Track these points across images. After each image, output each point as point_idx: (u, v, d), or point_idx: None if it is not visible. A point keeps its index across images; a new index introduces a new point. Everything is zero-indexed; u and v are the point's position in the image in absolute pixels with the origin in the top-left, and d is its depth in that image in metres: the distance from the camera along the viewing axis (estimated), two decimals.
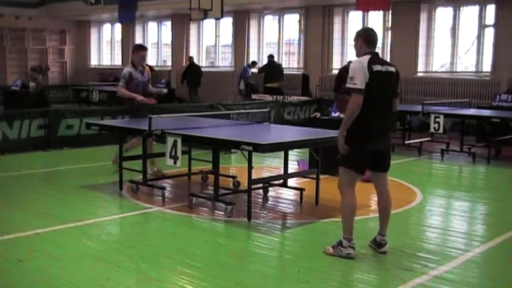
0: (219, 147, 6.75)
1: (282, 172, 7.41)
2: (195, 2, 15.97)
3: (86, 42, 26.33)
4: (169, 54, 22.71)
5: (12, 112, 11.46)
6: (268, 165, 9.33)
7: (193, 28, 21.48)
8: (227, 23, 20.33)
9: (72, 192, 7.31)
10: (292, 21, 19.23)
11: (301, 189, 6.98)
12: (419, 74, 15.84)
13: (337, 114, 8.85)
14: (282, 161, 7.18)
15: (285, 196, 7.28)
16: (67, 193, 7.29)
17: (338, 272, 4.70)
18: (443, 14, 15.78)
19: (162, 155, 6.78)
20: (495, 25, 14.52)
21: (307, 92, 17.67)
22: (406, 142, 11.16)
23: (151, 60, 22.22)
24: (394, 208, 5.18)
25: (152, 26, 23.63)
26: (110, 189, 7.44)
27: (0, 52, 24.06)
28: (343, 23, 17.69)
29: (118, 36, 24.79)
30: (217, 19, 18.11)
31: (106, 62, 26.12)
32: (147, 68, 8.46)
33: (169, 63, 22.83)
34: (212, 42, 21.60)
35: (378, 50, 5.15)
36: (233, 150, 9.70)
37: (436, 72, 15.99)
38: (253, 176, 6.14)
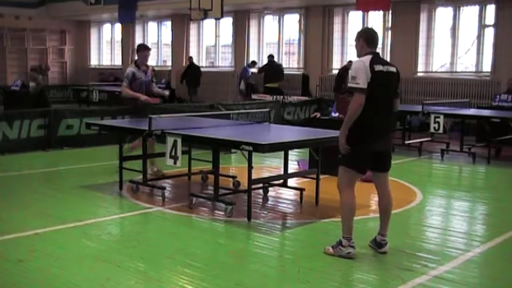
0: (219, 147, 6.75)
1: (282, 172, 7.41)
2: (195, 2, 15.97)
3: (86, 42, 26.33)
4: (169, 54, 22.71)
5: (12, 112, 11.46)
6: (268, 165, 9.33)
7: (193, 28, 21.48)
8: (227, 23, 20.33)
9: (72, 192, 7.31)
10: (292, 21, 19.23)
11: (301, 189, 6.98)
12: (419, 74, 15.84)
13: (337, 114, 8.86)
14: (282, 161, 7.18)
15: (285, 196, 7.28)
16: (67, 193, 7.29)
17: (338, 272, 4.70)
18: (443, 14, 15.78)
19: (162, 155, 6.78)
20: (495, 25, 14.52)
21: (307, 92, 17.67)
22: (406, 142, 11.16)
23: (151, 60, 21.97)
24: (394, 208, 5.18)
25: (152, 26, 23.64)
26: (110, 189, 7.44)
27: (0, 52, 24.07)
28: (343, 23, 17.69)
29: (118, 36, 24.79)
30: (217, 19, 18.11)
31: (106, 62, 26.12)
32: (150, 67, 8.48)
33: (169, 63, 22.83)
34: (212, 42, 21.60)
35: (378, 50, 5.14)
36: (233, 150, 9.70)
37: (436, 72, 15.99)
38: (253, 176, 6.14)
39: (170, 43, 22.40)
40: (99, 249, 5.12)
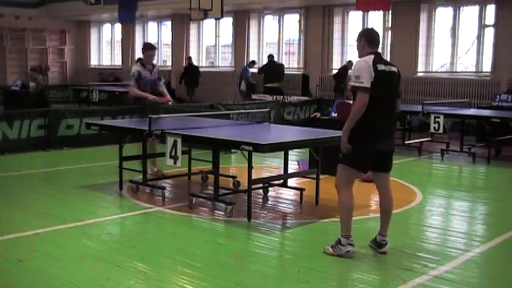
0: (219, 147, 6.75)
1: (282, 172, 7.41)
2: (195, 2, 15.97)
3: (86, 42, 26.34)
4: (169, 54, 22.72)
5: (12, 112, 11.45)
6: (268, 165, 9.33)
7: (193, 28, 21.48)
8: (227, 23, 20.33)
9: (72, 192, 7.31)
10: (292, 21, 19.23)
11: (301, 189, 6.98)
12: (419, 74, 15.84)
13: (337, 114, 8.85)
14: (282, 161, 7.18)
15: (285, 196, 7.28)
16: (67, 193, 7.29)
17: (338, 272, 4.70)
18: (443, 14, 15.79)
19: (162, 155, 6.78)
20: (495, 25, 14.53)
21: (307, 92, 17.67)
22: (406, 142, 11.17)
23: None
24: (394, 208, 5.18)
25: (152, 26, 23.64)
26: (110, 189, 7.44)
27: (0, 52, 24.07)
28: (343, 23, 17.69)
29: (118, 36, 24.80)
30: (217, 19, 18.11)
31: (106, 62, 26.13)
32: (156, 66, 8.49)
33: (169, 63, 22.84)
34: (212, 42, 21.60)
35: (378, 50, 5.14)
36: (233, 150, 9.70)
37: (436, 72, 16.00)
38: (253, 176, 6.13)
39: (170, 43, 22.40)
40: (99, 249, 5.12)
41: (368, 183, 6.89)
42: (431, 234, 5.83)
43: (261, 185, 7.12)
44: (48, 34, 25.35)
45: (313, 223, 6.12)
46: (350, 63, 15.88)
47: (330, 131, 6.64)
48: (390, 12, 15.77)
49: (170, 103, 8.52)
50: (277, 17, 19.36)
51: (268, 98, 15.34)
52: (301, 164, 8.82)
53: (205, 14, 15.88)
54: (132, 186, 7.29)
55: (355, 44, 5.11)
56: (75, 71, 26.25)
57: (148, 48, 8.32)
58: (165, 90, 8.54)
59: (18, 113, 10.72)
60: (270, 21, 19.80)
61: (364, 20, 17.00)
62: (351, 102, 6.48)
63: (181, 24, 21.43)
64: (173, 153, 6.24)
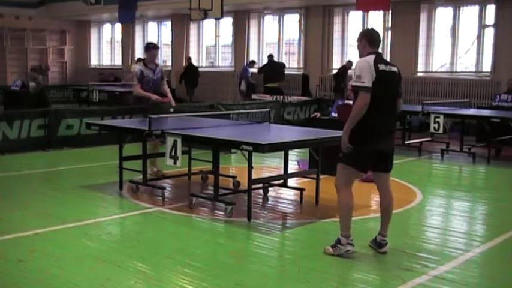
0: (219, 147, 6.75)
1: (282, 172, 7.41)
2: (195, 2, 15.97)
3: (86, 42, 26.33)
4: (169, 54, 22.72)
5: (12, 112, 11.45)
6: (268, 165, 9.33)
7: (193, 28, 21.48)
8: (227, 23, 20.33)
9: (72, 192, 7.31)
10: (292, 21, 19.23)
11: (301, 189, 6.98)
12: (419, 74, 15.84)
13: (337, 114, 8.85)
14: (282, 161, 7.18)
15: (285, 196, 7.28)
16: (67, 193, 7.29)
17: (338, 272, 4.70)
18: (443, 14, 15.79)
19: (162, 155, 6.78)
20: (495, 25, 14.53)
21: (307, 92, 17.67)
22: (406, 142, 11.17)
23: None
24: (394, 208, 5.18)
25: (152, 26, 23.64)
26: (110, 189, 7.44)
27: (0, 52, 24.06)
28: (343, 23, 17.69)
29: (118, 36, 24.79)
30: (217, 19, 18.11)
31: (106, 62, 26.12)
32: (160, 66, 8.48)
33: (169, 63, 22.83)
34: (212, 42, 21.60)
35: (379, 50, 5.15)
36: (233, 150, 9.70)
37: (436, 72, 16.00)
38: (253, 176, 6.13)
39: (170, 43, 22.40)
40: (99, 249, 5.12)
41: (368, 183, 6.90)
42: (431, 234, 5.83)
43: (261, 185, 7.12)
44: (48, 34, 25.35)
45: (313, 223, 6.12)
46: (350, 63, 15.89)
47: (330, 131, 6.64)
48: (390, 12, 15.77)
49: (172, 108, 8.39)
50: (277, 17, 19.36)
51: (268, 98, 15.34)
52: (301, 164, 8.82)
53: (205, 14, 15.88)
54: (132, 186, 7.29)
55: (356, 44, 5.12)
56: (75, 71, 26.25)
57: (151, 48, 8.32)
58: (168, 90, 8.50)
59: (18, 113, 10.72)
60: (270, 21, 19.80)
61: (364, 20, 17.00)
62: (350, 102, 6.50)
63: (181, 24, 21.43)
64: (173, 153, 6.24)
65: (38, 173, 8.93)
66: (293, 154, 9.75)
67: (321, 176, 6.92)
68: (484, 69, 14.93)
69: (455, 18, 15.40)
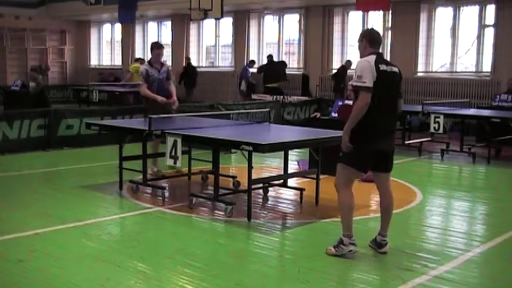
0: (219, 147, 6.75)
1: (282, 172, 7.41)
2: (195, 2, 15.97)
3: (86, 42, 26.33)
4: (169, 54, 22.70)
5: (12, 112, 11.46)
6: (268, 165, 9.33)
7: (193, 28, 21.47)
8: (227, 23, 20.32)
9: (72, 192, 7.31)
10: (292, 21, 19.23)
11: (301, 189, 6.98)
12: (419, 74, 15.84)
13: (337, 114, 8.85)
14: (282, 161, 7.18)
15: (285, 196, 7.28)
16: (67, 193, 7.29)
17: (338, 272, 4.70)
18: (443, 14, 15.78)
19: (162, 155, 6.78)
20: (495, 25, 14.52)
21: (307, 92, 17.67)
22: (406, 142, 11.17)
23: None
24: (394, 208, 5.18)
25: (152, 26, 23.63)
26: (110, 189, 7.44)
27: (0, 52, 24.06)
28: (343, 23, 17.69)
29: (118, 36, 24.79)
30: (217, 19, 18.11)
31: (106, 62, 26.12)
32: (166, 66, 8.45)
33: (169, 63, 22.79)
34: (212, 42, 21.59)
35: (379, 50, 5.16)
36: (233, 150, 9.71)
37: (436, 72, 15.99)
38: (253, 176, 6.13)
39: (170, 43, 22.39)
40: (99, 249, 5.12)
41: (368, 183, 6.90)
42: (431, 234, 5.83)
43: (261, 185, 7.12)
44: (48, 34, 25.34)
45: (313, 223, 6.12)
46: (349, 63, 15.89)
47: (330, 131, 6.65)
48: (390, 12, 15.76)
49: (174, 107, 8.36)
50: (277, 17, 19.36)
51: (268, 98, 15.34)
52: (301, 164, 8.82)
53: (205, 14, 15.88)
54: (132, 186, 7.29)
55: (356, 44, 5.12)
56: (75, 71, 26.24)
57: (156, 47, 8.33)
58: (173, 90, 8.43)
59: (18, 113, 10.72)
60: (270, 21, 19.79)
61: (364, 20, 17.00)
62: (351, 102, 6.50)
63: (181, 24, 21.43)
64: (173, 153, 6.24)
65: (38, 173, 8.93)
66: (293, 154, 9.75)
67: (321, 176, 6.92)
68: (484, 69, 14.93)
69: (455, 18, 15.40)
